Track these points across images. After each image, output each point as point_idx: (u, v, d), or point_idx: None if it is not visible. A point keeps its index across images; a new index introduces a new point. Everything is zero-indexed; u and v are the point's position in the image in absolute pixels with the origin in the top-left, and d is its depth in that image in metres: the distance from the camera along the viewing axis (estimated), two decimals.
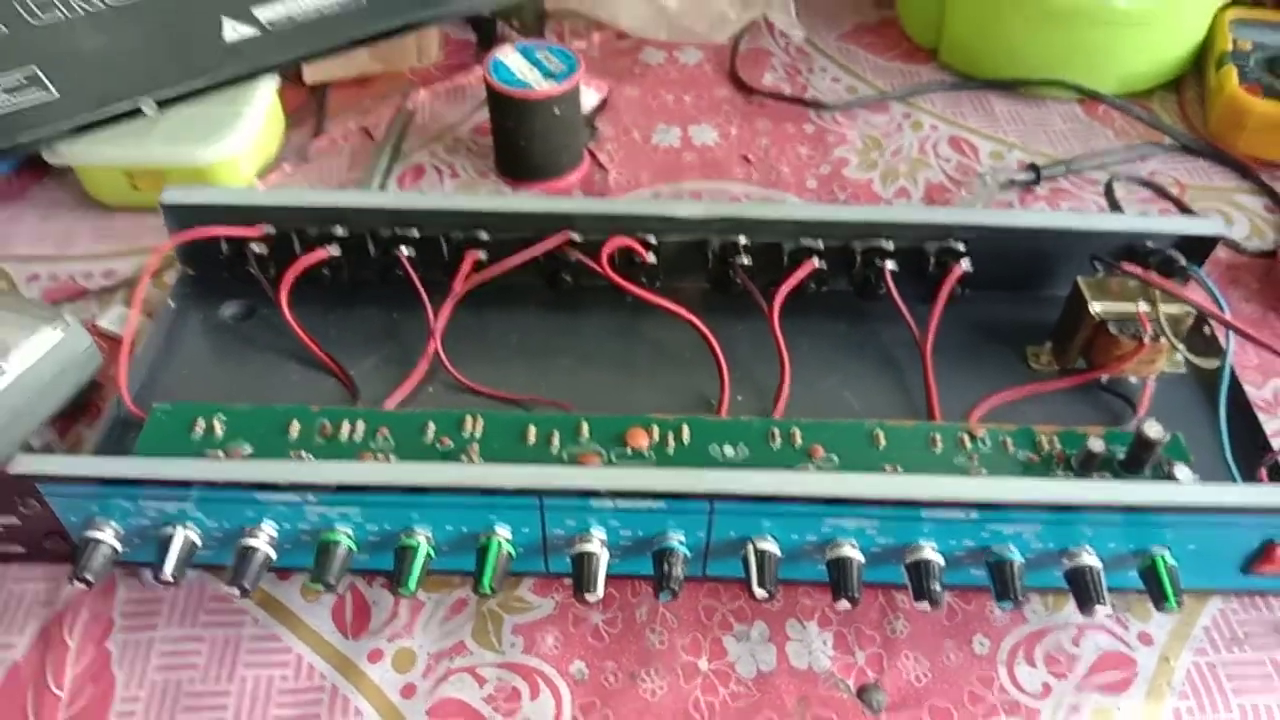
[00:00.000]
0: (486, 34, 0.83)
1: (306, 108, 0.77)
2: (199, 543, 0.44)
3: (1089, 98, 0.77)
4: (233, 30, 0.68)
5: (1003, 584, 0.43)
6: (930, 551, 0.43)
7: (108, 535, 0.44)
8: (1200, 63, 0.79)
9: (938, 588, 0.42)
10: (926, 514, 0.42)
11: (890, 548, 0.44)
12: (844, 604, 0.42)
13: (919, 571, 0.43)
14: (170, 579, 0.43)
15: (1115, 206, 0.67)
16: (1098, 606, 0.43)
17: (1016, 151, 0.74)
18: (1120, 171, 0.71)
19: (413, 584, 0.42)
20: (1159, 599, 0.43)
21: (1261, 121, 0.70)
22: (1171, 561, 0.44)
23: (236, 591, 0.42)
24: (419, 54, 0.81)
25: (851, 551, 0.43)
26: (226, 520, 0.44)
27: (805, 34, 0.85)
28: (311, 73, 0.78)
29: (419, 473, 0.43)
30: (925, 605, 0.42)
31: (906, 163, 0.72)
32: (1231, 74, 0.73)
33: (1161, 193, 0.69)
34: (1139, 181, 0.69)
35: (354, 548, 0.44)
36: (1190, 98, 0.79)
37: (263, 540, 0.44)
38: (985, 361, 0.56)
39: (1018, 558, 0.44)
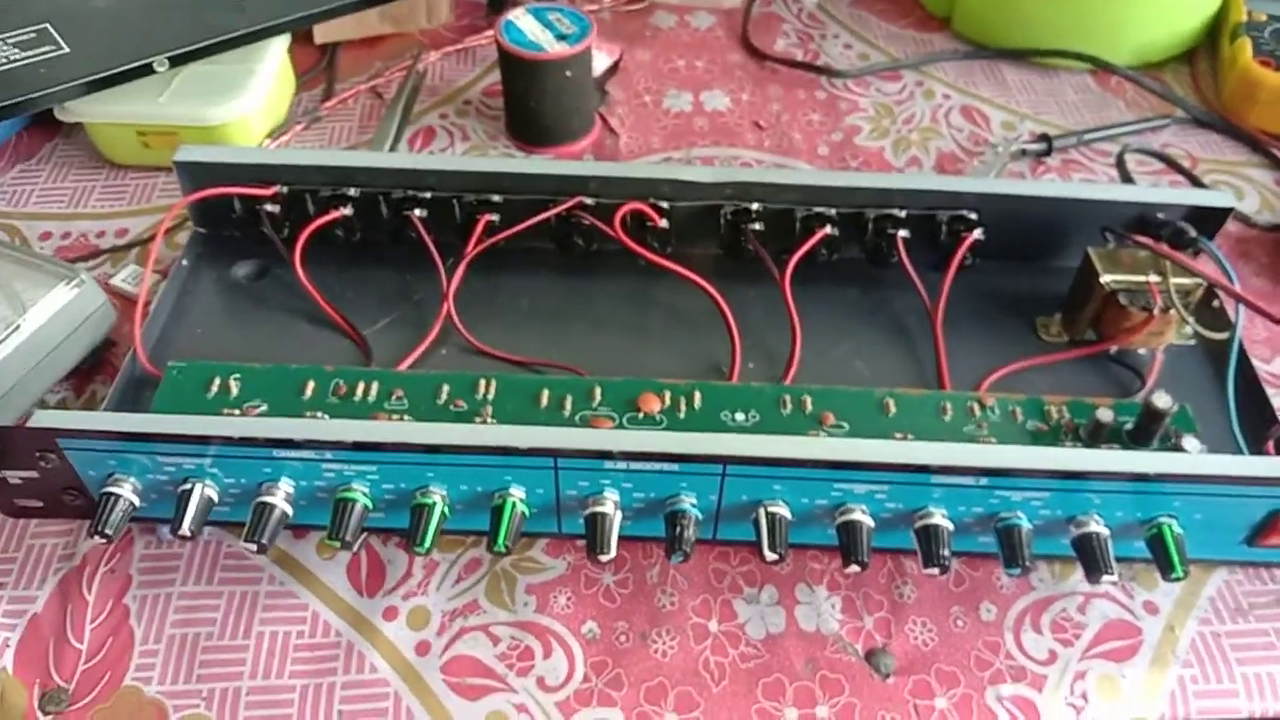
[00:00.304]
0: None
1: (317, 68, 0.76)
2: (216, 499, 0.45)
3: (1101, 69, 0.77)
4: None
5: (1011, 550, 0.44)
6: (939, 518, 0.44)
7: (126, 490, 0.44)
8: (1214, 34, 0.79)
9: (946, 553, 0.43)
10: (936, 480, 0.43)
11: (899, 513, 0.44)
12: (853, 568, 0.43)
13: (928, 537, 0.43)
14: (188, 533, 0.43)
15: (1127, 178, 0.67)
16: (1105, 575, 0.43)
17: (1028, 122, 0.73)
18: (1132, 143, 0.71)
19: (428, 542, 0.43)
20: (1165, 568, 0.43)
21: (1274, 95, 0.70)
22: (1178, 530, 0.44)
23: (253, 547, 0.43)
24: (429, 15, 0.80)
25: (861, 516, 0.44)
26: (244, 477, 0.44)
27: (817, 1, 0.84)
28: (322, 33, 0.78)
29: (435, 432, 0.43)
30: (934, 571, 0.43)
31: (918, 131, 0.72)
32: (1245, 46, 0.72)
33: (1173, 165, 0.68)
34: (1150, 153, 0.69)
35: (370, 506, 0.44)
36: (1203, 70, 0.78)
37: (279, 497, 0.44)
38: (995, 331, 0.56)
39: (1025, 524, 0.44)
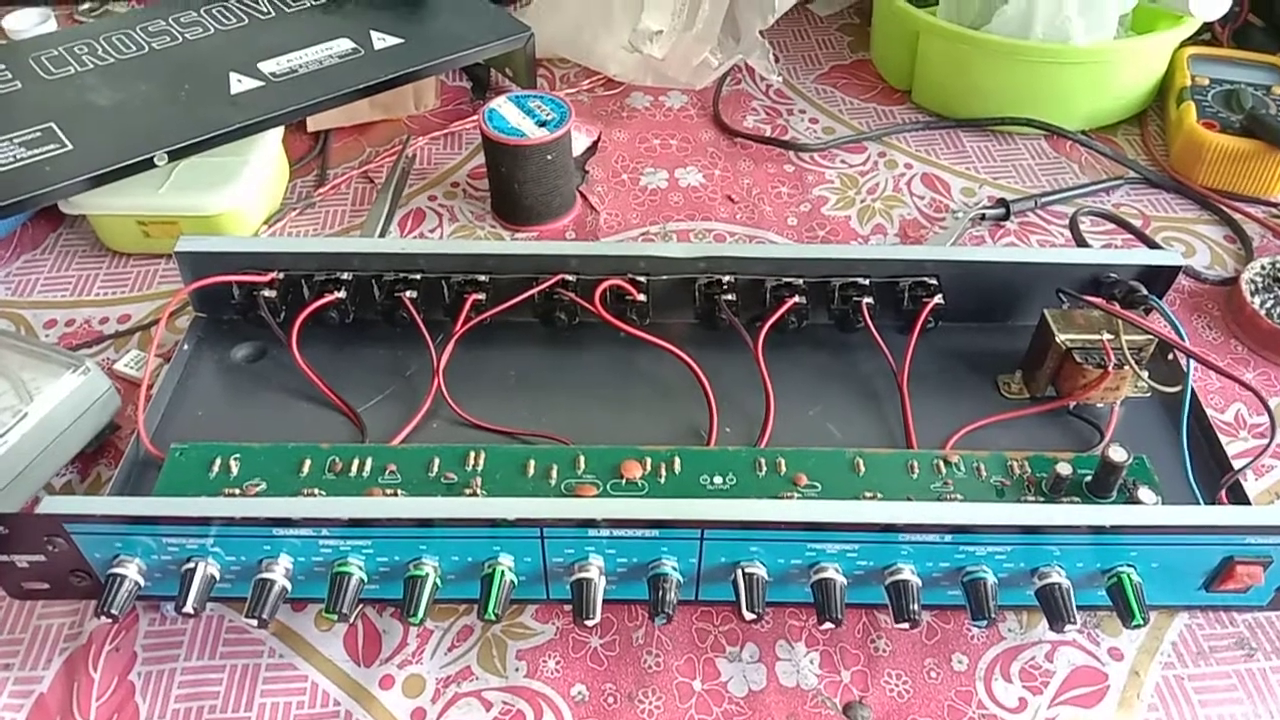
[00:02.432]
0: (481, 81, 0.86)
1: (310, 155, 0.80)
2: (218, 576, 0.47)
3: (1055, 134, 0.81)
4: (239, 83, 0.72)
5: (977, 603, 0.46)
6: (909, 573, 0.46)
7: (131, 571, 0.46)
8: (1161, 98, 0.83)
9: (916, 608, 0.45)
10: (904, 538, 0.45)
11: (871, 570, 0.47)
12: (828, 625, 0.45)
13: (898, 592, 0.46)
14: (192, 611, 0.45)
15: (1080, 240, 0.71)
16: (1067, 624, 0.45)
17: (987, 187, 0.77)
18: (1086, 205, 0.74)
19: (421, 613, 0.45)
20: (1126, 615, 0.46)
21: (1219, 155, 0.74)
22: (1137, 579, 0.46)
23: (255, 622, 0.45)
24: (416, 102, 0.84)
25: (834, 575, 0.46)
26: (244, 554, 0.47)
27: (782, 78, 0.88)
28: (314, 121, 0.81)
29: (426, 507, 0.46)
30: (905, 626, 0.45)
31: (882, 200, 0.76)
32: (1190, 110, 0.76)
33: (1124, 225, 0.72)
34: (1103, 215, 0.73)
35: (365, 578, 0.47)
36: (1153, 131, 0.82)
37: (279, 573, 0.46)
38: (959, 390, 0.59)
39: (990, 578, 0.46)
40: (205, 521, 0.45)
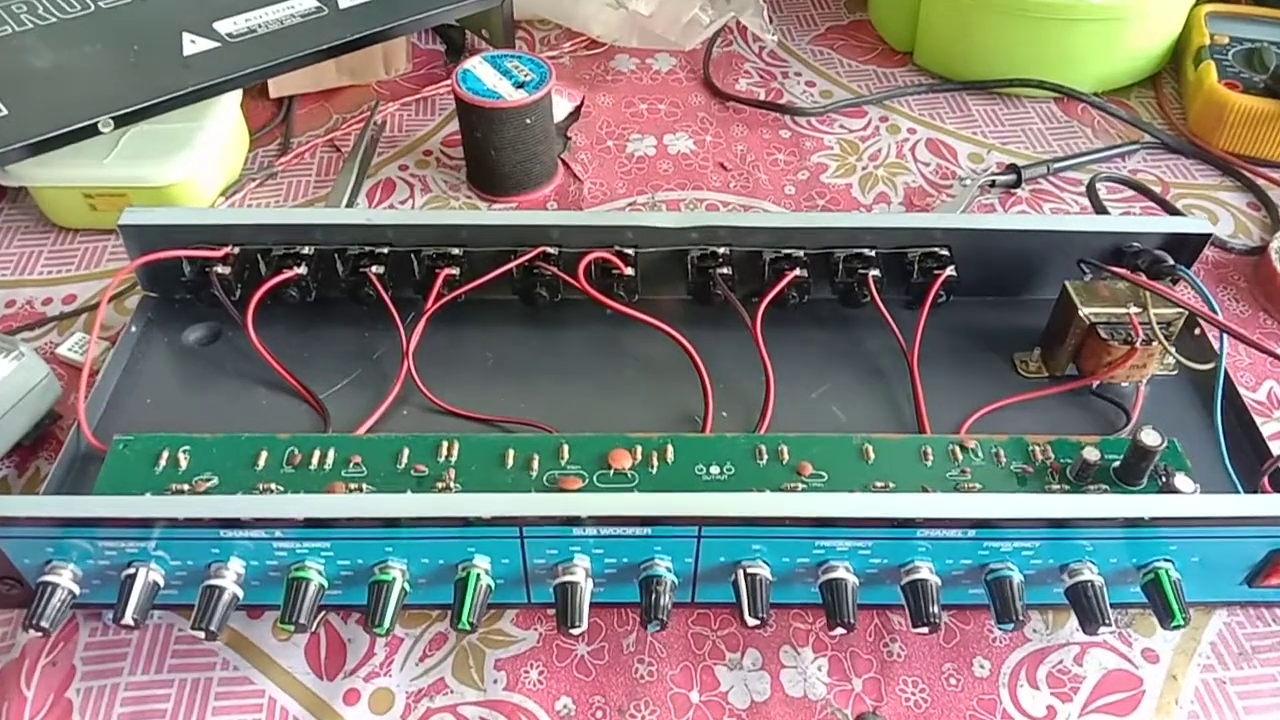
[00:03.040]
0: (455, 44, 0.81)
1: (272, 122, 0.75)
2: (162, 583, 0.42)
3: (1066, 96, 0.76)
4: (192, 44, 0.66)
5: (1003, 604, 0.42)
6: (927, 571, 0.42)
7: (65, 579, 0.41)
8: (1177, 58, 0.79)
9: (936, 610, 0.41)
10: (922, 533, 0.41)
11: (885, 568, 0.42)
12: (839, 630, 0.41)
13: (916, 593, 0.41)
14: (131, 622, 0.41)
15: (1099, 207, 0.66)
16: (1102, 625, 0.41)
17: (995, 153, 0.72)
18: (1101, 170, 0.70)
19: (387, 622, 0.40)
20: (1165, 615, 0.42)
21: (1241, 117, 0.70)
22: (1175, 575, 0.42)
23: (201, 635, 0.40)
24: (386, 66, 0.79)
25: (845, 574, 0.42)
26: (191, 558, 0.42)
27: (778, 38, 0.83)
28: (277, 86, 0.76)
29: (391, 504, 0.41)
30: (924, 630, 0.41)
31: (885, 167, 0.71)
32: (1210, 70, 0.72)
33: (1145, 192, 0.68)
34: (1122, 181, 0.68)
35: (325, 584, 0.42)
36: (1168, 94, 0.78)
37: (229, 579, 0.41)
38: (973, 369, 0.55)
39: (1017, 575, 0.42)
40: (145, 523, 0.40)
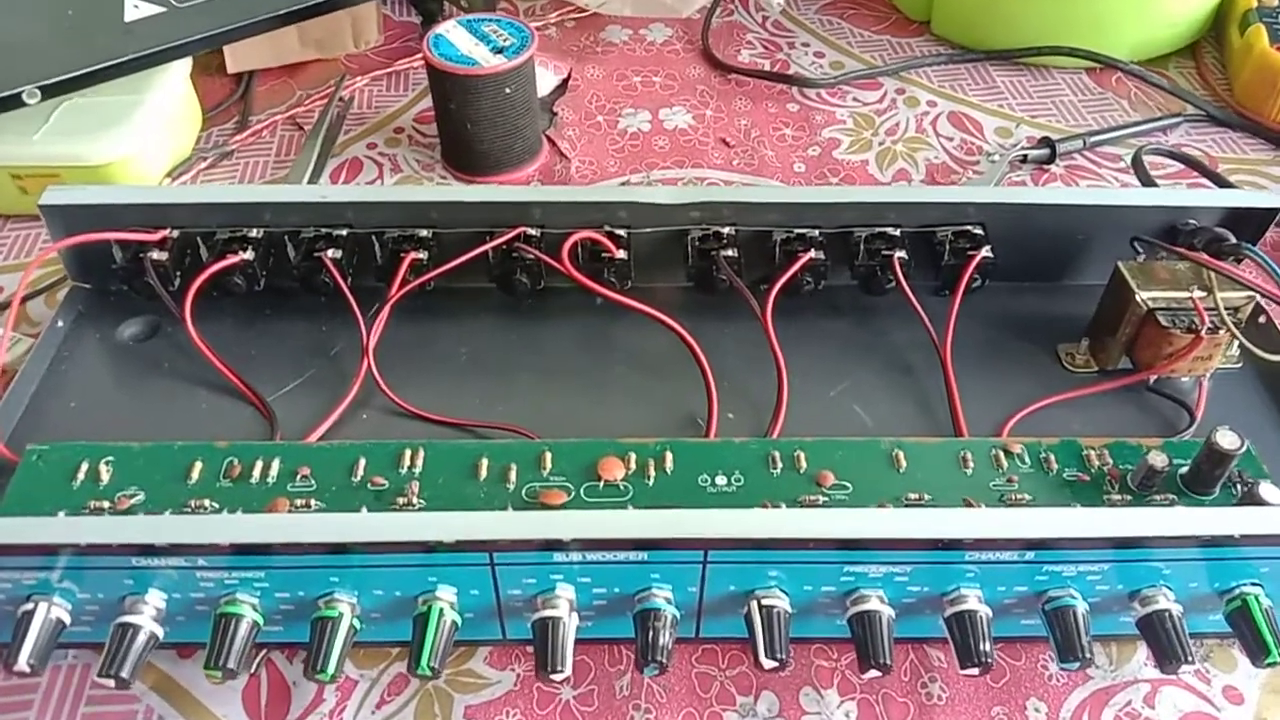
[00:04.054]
0: (430, 14, 0.74)
1: (229, 99, 0.68)
2: (68, 620, 0.36)
3: (1101, 66, 0.70)
4: (135, 8, 0.60)
5: (1066, 638, 0.35)
6: (975, 601, 0.35)
7: None
8: (1219, 24, 0.72)
9: (987, 647, 0.34)
10: (970, 556, 0.34)
11: (925, 597, 0.36)
12: (872, 673, 0.34)
13: (964, 627, 0.35)
14: (27, 668, 0.34)
15: (1148, 181, 0.60)
16: (1183, 664, 0.35)
17: (1025, 127, 0.66)
18: (1146, 144, 0.63)
19: (332, 667, 0.34)
20: (1256, 650, 0.35)
21: None
22: (1266, 602, 0.36)
23: (110, 683, 0.34)
24: (355, 38, 0.72)
25: (879, 605, 0.35)
26: (101, 591, 0.35)
27: (783, 6, 0.77)
28: (235, 60, 0.69)
29: (335, 527, 0.34)
30: (973, 671, 0.34)
31: (904, 142, 0.65)
32: (1261, 34, 0.65)
33: (1195, 166, 0.61)
34: (1169, 154, 0.62)
35: (260, 620, 0.35)
36: (1209, 62, 0.72)
37: (147, 615, 0.35)
38: (1013, 363, 0.49)
39: (1081, 604, 0.36)
40: (42, 550, 0.34)
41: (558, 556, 0.34)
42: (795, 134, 0.65)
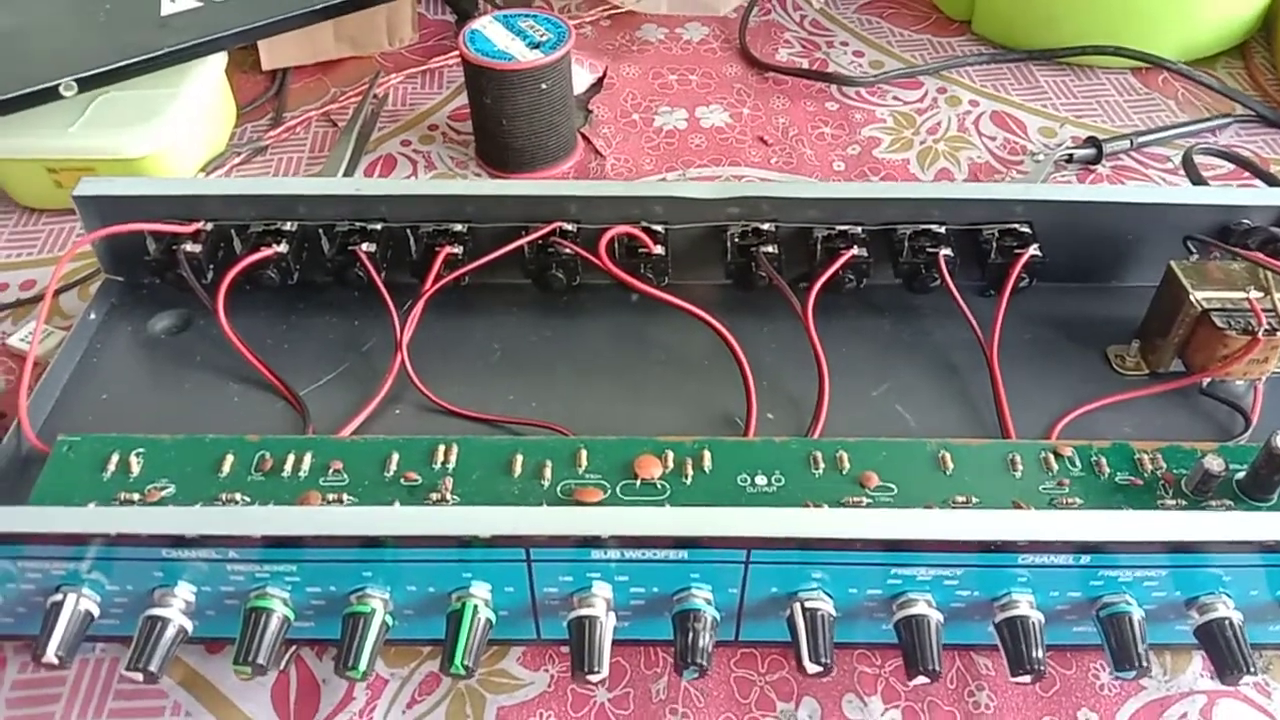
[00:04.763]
0: (465, 12, 0.74)
1: (264, 96, 0.68)
2: (97, 612, 0.35)
3: (1147, 65, 0.68)
4: (171, 2, 0.60)
5: (1121, 646, 0.34)
6: (1027, 606, 0.34)
7: None
8: (1270, 22, 0.71)
9: (1039, 655, 0.33)
10: (1023, 559, 0.33)
11: (975, 602, 0.35)
12: (920, 679, 0.33)
13: (1015, 633, 0.33)
14: (55, 660, 0.33)
15: (1199, 181, 0.58)
16: (1245, 674, 0.33)
17: (1069, 127, 0.65)
18: (1196, 143, 0.62)
19: (363, 664, 0.33)
20: None
21: None
22: None
23: (139, 677, 0.33)
24: (390, 35, 0.72)
25: (927, 610, 0.34)
26: (130, 583, 0.35)
27: (822, 5, 0.76)
28: (270, 57, 0.69)
29: (368, 520, 0.34)
30: (1025, 679, 0.33)
31: (946, 141, 0.63)
32: None
33: (1248, 166, 0.59)
34: (1220, 154, 0.60)
35: (291, 615, 0.35)
36: (1259, 63, 0.70)
37: (175, 609, 0.34)
38: (1061, 365, 0.47)
39: (1137, 611, 0.34)
40: (71, 540, 0.33)
41: (595, 554, 0.33)
42: (834, 132, 0.64)
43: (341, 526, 0.33)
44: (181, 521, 0.33)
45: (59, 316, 0.52)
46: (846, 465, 0.40)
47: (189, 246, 0.48)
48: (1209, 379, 0.45)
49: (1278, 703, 0.37)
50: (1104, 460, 0.40)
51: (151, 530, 0.33)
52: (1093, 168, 0.61)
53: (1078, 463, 0.40)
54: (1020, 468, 0.40)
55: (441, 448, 0.40)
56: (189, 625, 0.35)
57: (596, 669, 0.32)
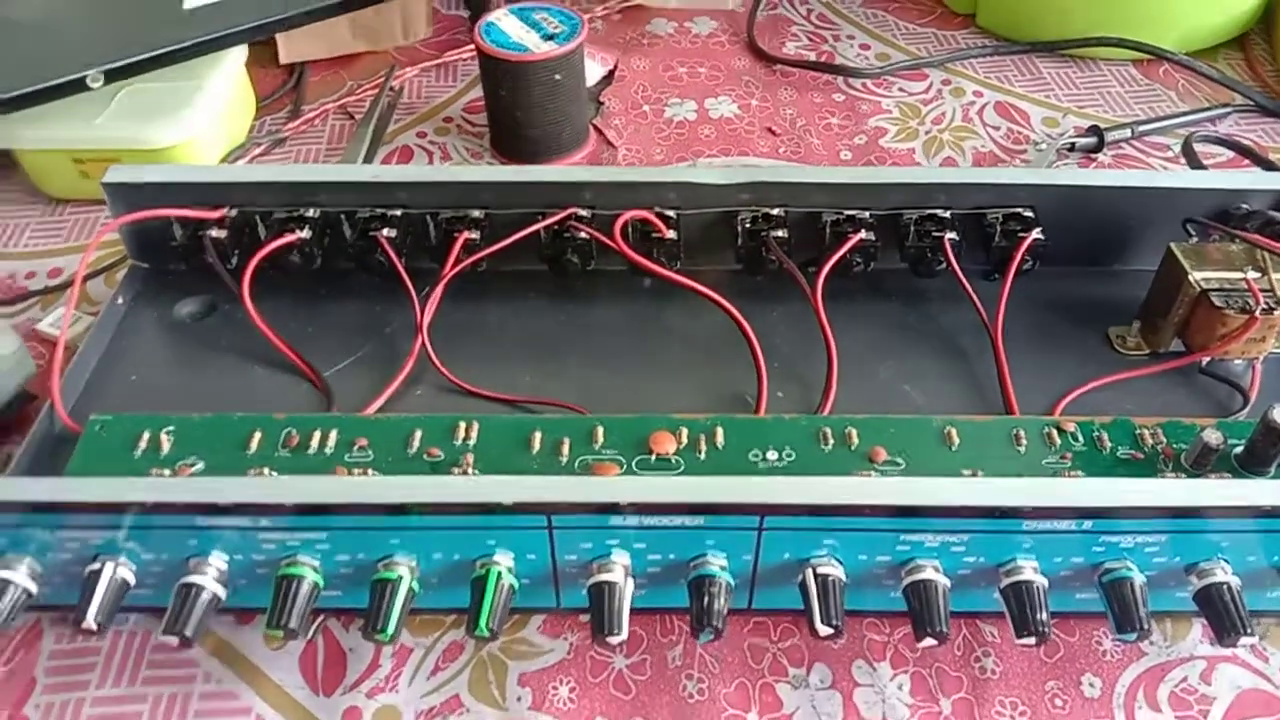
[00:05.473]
0: (478, 6, 0.75)
1: (282, 89, 0.69)
2: (133, 580, 0.36)
3: (1148, 57, 0.69)
4: None
5: (1124, 610, 0.35)
6: (1031, 572, 0.35)
7: (20, 575, 0.36)
8: (1269, 14, 0.72)
9: (1044, 617, 0.34)
10: (1028, 525, 0.34)
11: (981, 568, 0.36)
12: (928, 641, 0.34)
13: (1020, 598, 0.35)
14: (94, 626, 0.35)
15: (1198, 168, 0.59)
16: (1242, 636, 0.34)
17: (1072, 117, 0.66)
18: (1196, 131, 0.63)
19: (391, 627, 0.34)
20: None
21: None
22: None
23: (174, 641, 0.34)
24: (405, 30, 0.73)
25: (934, 575, 0.35)
26: (165, 552, 0.36)
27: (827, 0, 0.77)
28: (288, 51, 0.71)
29: (396, 488, 0.35)
30: (1029, 641, 0.34)
31: (951, 131, 0.65)
32: None
33: (1247, 153, 0.61)
34: (1220, 141, 0.61)
35: (321, 583, 0.36)
36: (1259, 54, 0.71)
37: (210, 576, 0.35)
38: (1064, 346, 0.48)
39: (1138, 576, 0.35)
40: (108, 509, 0.34)
41: (614, 520, 0.34)
42: (841, 123, 0.65)
43: (370, 495, 0.34)
44: (215, 490, 0.35)
45: (86, 303, 0.54)
46: (855, 441, 0.41)
47: (214, 232, 0.49)
48: (1208, 358, 0.46)
49: (1275, 666, 0.38)
50: (1105, 435, 0.42)
51: (186, 499, 0.34)
52: (1094, 156, 0.62)
53: (1080, 437, 0.41)
54: (1024, 443, 0.41)
55: (462, 425, 0.42)
56: (222, 593, 0.36)
57: (616, 630, 0.34)
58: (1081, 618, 0.39)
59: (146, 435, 0.42)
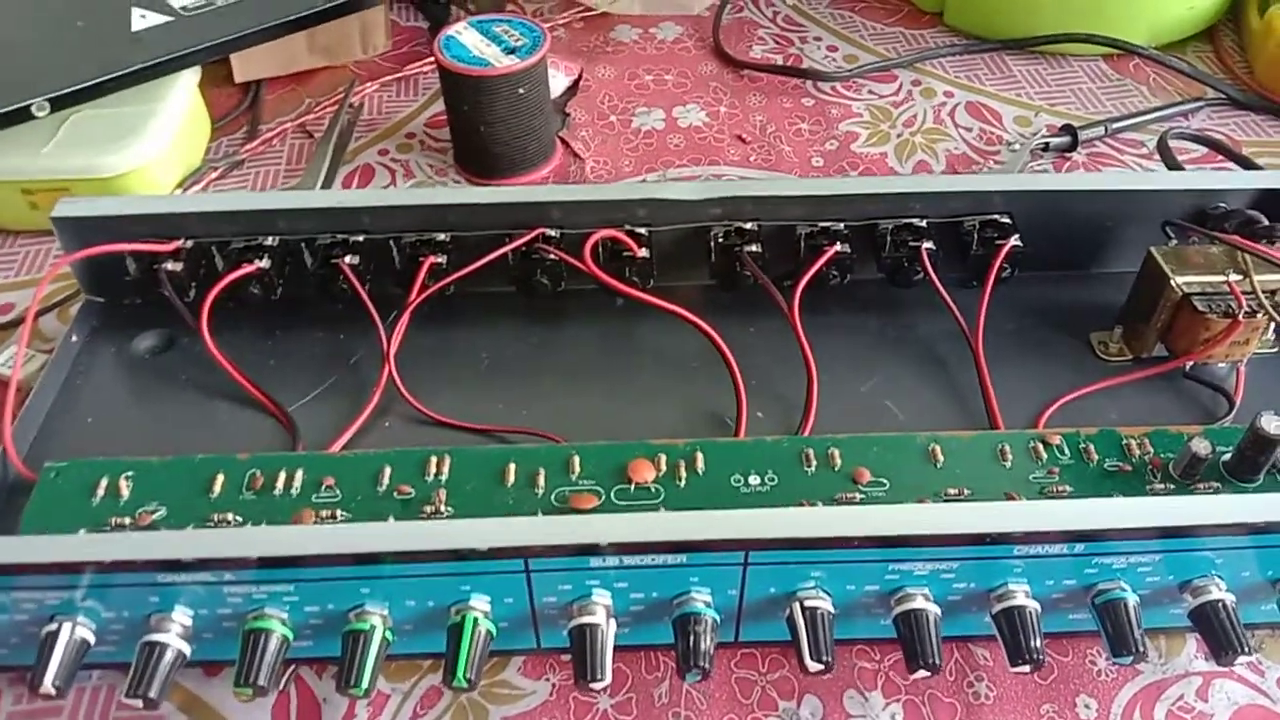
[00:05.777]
0: (437, 19, 0.74)
1: (238, 109, 0.67)
2: (93, 640, 0.35)
3: (1118, 52, 0.69)
4: (141, 18, 0.59)
5: (1118, 632, 0.34)
6: (1023, 596, 0.34)
7: None
8: (1237, 6, 0.71)
9: (1038, 644, 0.33)
10: (1019, 550, 0.33)
11: (971, 594, 0.35)
12: (921, 672, 0.33)
13: (1013, 623, 0.34)
14: (53, 690, 0.33)
15: (1174, 166, 0.59)
16: (1240, 654, 0.34)
17: (1044, 115, 0.65)
18: (1170, 128, 0.62)
19: (365, 682, 0.33)
20: None
21: None
22: None
23: (138, 704, 0.33)
24: (363, 44, 0.71)
25: (924, 604, 0.34)
26: (126, 609, 0.34)
27: (794, 1, 0.76)
28: (243, 69, 0.69)
29: (365, 537, 0.34)
30: (1025, 668, 0.33)
31: (923, 134, 0.64)
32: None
33: (1221, 149, 0.60)
34: (1194, 138, 0.61)
35: (290, 636, 0.34)
36: (1228, 46, 0.71)
37: (173, 633, 0.34)
38: (1046, 354, 0.48)
39: (1131, 597, 0.35)
40: (64, 569, 0.33)
41: (594, 561, 0.33)
42: (811, 128, 0.64)
43: (338, 545, 0.33)
44: (176, 546, 0.33)
45: (40, 340, 0.52)
46: (838, 462, 0.40)
47: (170, 265, 0.47)
48: (1192, 362, 0.46)
49: (1272, 681, 0.38)
50: (1092, 447, 0.41)
51: (145, 556, 0.32)
52: (1069, 155, 0.61)
53: (1066, 450, 0.41)
54: (1010, 458, 0.40)
55: (434, 459, 0.40)
56: (187, 649, 0.34)
57: (600, 676, 0.33)
58: (1075, 637, 0.38)
59: (105, 481, 0.40)
